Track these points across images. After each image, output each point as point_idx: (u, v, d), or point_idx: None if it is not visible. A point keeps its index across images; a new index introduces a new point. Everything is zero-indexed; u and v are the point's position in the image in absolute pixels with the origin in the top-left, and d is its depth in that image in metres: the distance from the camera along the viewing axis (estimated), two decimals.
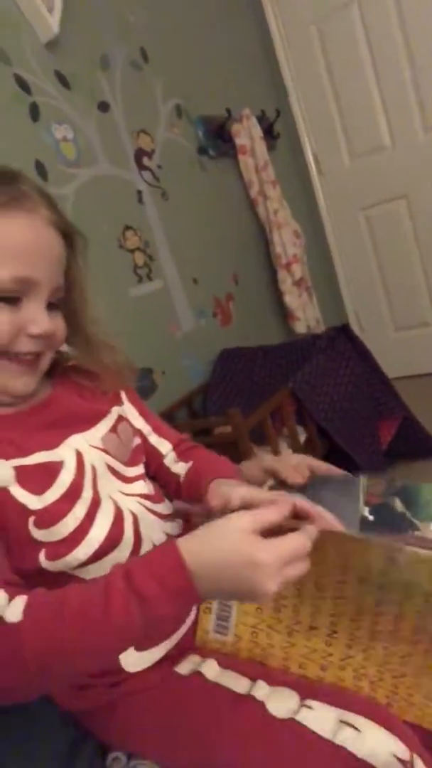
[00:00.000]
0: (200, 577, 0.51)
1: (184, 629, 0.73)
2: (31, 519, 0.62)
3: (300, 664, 0.69)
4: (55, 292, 0.68)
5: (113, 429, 0.75)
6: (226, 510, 0.60)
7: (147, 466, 0.83)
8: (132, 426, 0.82)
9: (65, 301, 0.71)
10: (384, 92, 2.51)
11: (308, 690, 0.66)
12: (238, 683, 0.67)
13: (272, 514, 0.55)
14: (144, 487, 0.76)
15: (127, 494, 0.73)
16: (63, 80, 1.68)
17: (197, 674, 0.68)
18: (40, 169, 1.60)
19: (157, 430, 0.87)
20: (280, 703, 0.64)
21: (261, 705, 0.64)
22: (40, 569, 0.63)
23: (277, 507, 0.56)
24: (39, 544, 0.63)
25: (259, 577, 0.50)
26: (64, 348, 0.75)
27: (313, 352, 1.95)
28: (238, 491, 0.63)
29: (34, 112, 1.60)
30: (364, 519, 0.72)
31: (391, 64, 2.45)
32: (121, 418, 0.78)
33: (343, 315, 2.89)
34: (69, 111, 1.70)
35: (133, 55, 1.96)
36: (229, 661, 0.70)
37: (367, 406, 1.96)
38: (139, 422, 0.85)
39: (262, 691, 0.65)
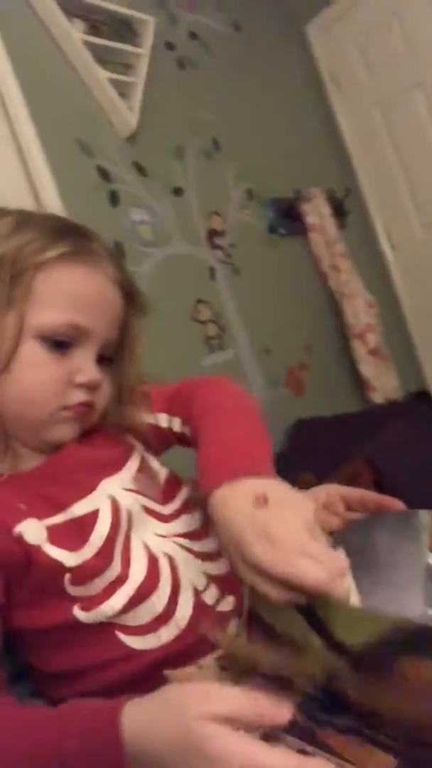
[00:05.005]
0: (139, 762, 0.44)
1: None
2: (67, 576, 0.59)
3: None
4: (107, 347, 0.68)
5: (140, 469, 0.71)
6: None
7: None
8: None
9: (114, 358, 0.70)
10: None
11: None
12: None
13: (235, 707, 0.42)
14: (184, 524, 0.70)
15: (164, 536, 0.67)
16: (140, 169, 1.83)
17: None
18: (118, 248, 1.71)
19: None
20: None
21: None
22: (75, 620, 0.59)
23: (246, 700, 0.43)
24: (73, 599, 0.60)
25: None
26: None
27: (391, 418, 1.88)
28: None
29: (114, 198, 1.74)
30: (429, 567, 0.62)
31: None
32: (144, 460, 0.73)
33: (423, 384, 2.80)
34: (145, 196, 1.83)
35: (206, 145, 2.11)
36: None
37: None
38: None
39: None
